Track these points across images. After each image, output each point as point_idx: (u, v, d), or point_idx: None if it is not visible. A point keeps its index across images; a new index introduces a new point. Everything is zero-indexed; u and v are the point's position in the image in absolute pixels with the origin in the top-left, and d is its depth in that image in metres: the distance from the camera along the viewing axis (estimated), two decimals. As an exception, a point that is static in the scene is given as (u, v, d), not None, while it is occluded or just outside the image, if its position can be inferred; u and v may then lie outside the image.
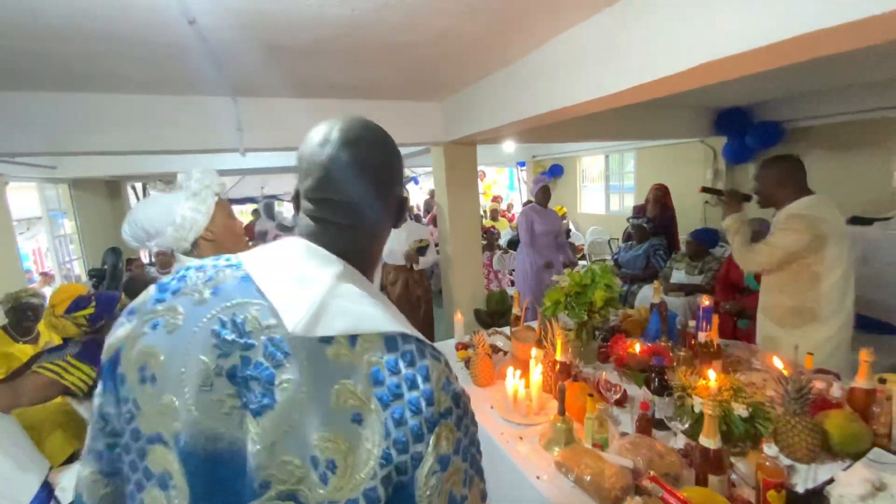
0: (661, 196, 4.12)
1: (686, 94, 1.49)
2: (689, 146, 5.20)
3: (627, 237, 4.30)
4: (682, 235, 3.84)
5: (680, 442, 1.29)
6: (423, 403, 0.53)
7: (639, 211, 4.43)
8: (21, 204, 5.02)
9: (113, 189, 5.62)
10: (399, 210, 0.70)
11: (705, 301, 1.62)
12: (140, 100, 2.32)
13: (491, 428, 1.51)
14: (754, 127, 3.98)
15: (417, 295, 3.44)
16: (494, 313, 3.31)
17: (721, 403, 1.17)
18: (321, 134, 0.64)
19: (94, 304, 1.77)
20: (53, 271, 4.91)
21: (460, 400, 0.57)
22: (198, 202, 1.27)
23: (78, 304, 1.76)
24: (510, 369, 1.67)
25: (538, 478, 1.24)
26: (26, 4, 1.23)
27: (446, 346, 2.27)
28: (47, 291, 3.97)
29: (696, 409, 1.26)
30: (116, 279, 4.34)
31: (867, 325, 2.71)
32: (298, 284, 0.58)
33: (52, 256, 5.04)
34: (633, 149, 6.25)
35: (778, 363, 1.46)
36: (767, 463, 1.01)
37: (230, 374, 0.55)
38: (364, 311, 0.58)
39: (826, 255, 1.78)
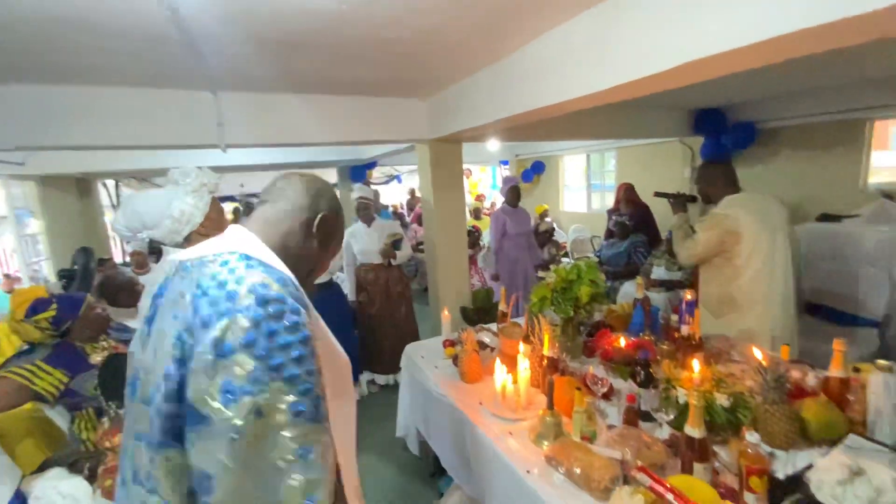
0: (628, 194, 4.24)
1: (665, 94, 1.52)
2: (667, 146, 5.32)
3: (609, 234, 4.38)
4: (664, 233, 3.93)
5: (665, 432, 1.32)
6: (223, 299, 0.63)
7: (612, 212, 4.54)
8: (-18, 202, 4.77)
9: (83, 187, 5.39)
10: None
11: (688, 296, 1.66)
12: (115, 92, 2.23)
13: (480, 423, 1.52)
14: (730, 127, 4.09)
15: (398, 291, 3.43)
16: (480, 310, 3.32)
17: (704, 394, 1.20)
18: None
19: (54, 305, 1.70)
20: (20, 273, 4.69)
21: (267, 303, 0.63)
22: (197, 199, 1.32)
23: (35, 307, 1.69)
24: (497, 364, 1.68)
25: (528, 472, 1.24)
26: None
27: (432, 344, 2.27)
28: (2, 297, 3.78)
29: (681, 401, 1.30)
30: (87, 280, 4.17)
31: (839, 319, 2.82)
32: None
33: (18, 257, 4.81)
34: (614, 148, 6.36)
35: (758, 353, 1.50)
36: (749, 450, 1.04)
37: (147, 322, 0.78)
38: (232, 243, 0.73)
39: (742, 250, 1.91)
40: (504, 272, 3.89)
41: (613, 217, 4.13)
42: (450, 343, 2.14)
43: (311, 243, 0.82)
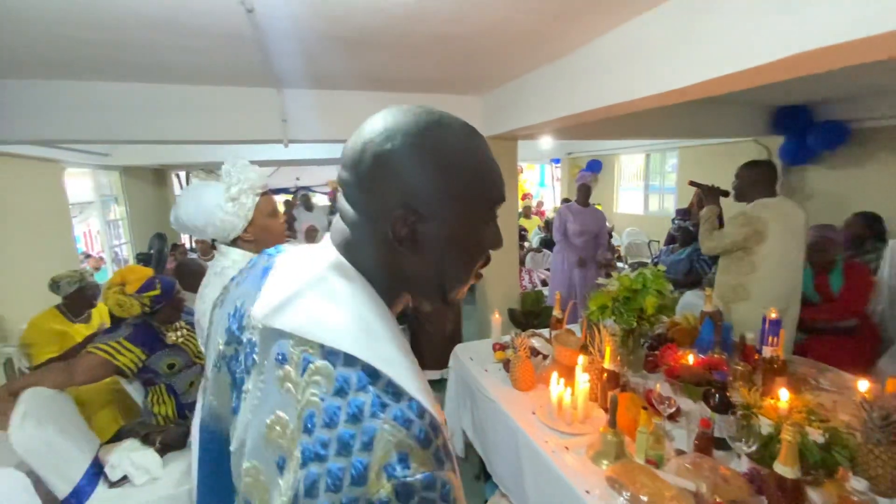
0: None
1: (743, 90, 1.38)
2: (739, 145, 4.91)
3: (670, 240, 4.12)
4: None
5: (743, 465, 1.20)
6: (346, 480, 0.39)
7: (682, 214, 4.23)
8: (76, 190, 5.29)
9: (159, 177, 5.86)
10: (403, 237, 0.49)
11: (772, 313, 1.50)
12: (187, 90, 2.37)
13: (533, 434, 1.46)
14: (816, 126, 3.70)
15: None
16: (529, 313, 3.23)
17: (798, 428, 1.08)
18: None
19: (159, 286, 1.86)
20: (103, 254, 5.16)
21: (412, 496, 0.39)
22: (237, 206, 1.26)
23: (148, 285, 1.85)
24: (554, 375, 1.61)
25: (587, 492, 1.17)
26: (93, -6, 1.25)
27: (482, 347, 2.23)
28: (96, 275, 4.18)
29: (764, 431, 1.17)
30: (161, 263, 4.53)
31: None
32: (292, 277, 0.50)
33: (102, 240, 5.31)
34: (676, 147, 5.98)
35: (862, 385, 1.32)
36: (854, 497, 0.91)
37: (228, 364, 0.53)
38: (328, 314, 0.45)
39: (762, 249, 2.08)
40: (561, 271, 3.75)
41: (676, 221, 3.87)
42: (500, 347, 2.09)
43: (404, 259, 0.51)
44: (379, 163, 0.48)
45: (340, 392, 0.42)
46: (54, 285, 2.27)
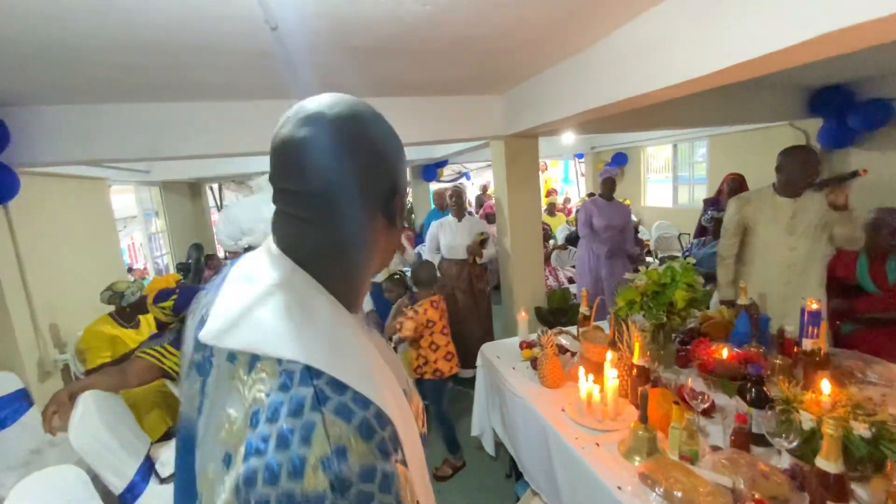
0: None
1: (775, 72, 1.32)
2: (772, 131, 4.70)
3: (701, 232, 3.98)
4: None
5: (784, 461, 1.16)
6: (283, 474, 0.39)
7: (710, 204, 4.08)
8: (119, 205, 5.63)
9: (195, 190, 6.14)
10: (396, 210, 0.56)
11: (812, 304, 1.44)
12: (219, 106, 2.49)
13: (563, 431, 1.46)
14: (857, 106, 3.50)
15: (479, 288, 3.43)
16: (556, 311, 3.20)
17: (840, 421, 1.03)
18: (286, 113, 0.55)
19: (174, 296, 1.99)
20: (147, 265, 5.47)
21: (348, 489, 0.39)
22: None
23: (159, 296, 1.99)
24: (582, 371, 1.60)
25: (619, 488, 1.17)
26: (133, 22, 1.35)
27: (509, 345, 2.23)
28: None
29: (806, 426, 1.13)
30: (199, 272, 4.75)
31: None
32: (240, 286, 0.52)
33: (144, 251, 5.62)
34: (705, 136, 5.77)
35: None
36: (904, 494, 0.87)
37: (197, 370, 0.54)
38: (279, 329, 0.46)
39: None
40: (588, 267, 3.71)
41: (709, 212, 3.74)
42: (527, 345, 2.09)
43: (380, 228, 0.56)
44: (372, 156, 0.54)
45: (283, 387, 0.43)
46: (116, 295, 2.43)
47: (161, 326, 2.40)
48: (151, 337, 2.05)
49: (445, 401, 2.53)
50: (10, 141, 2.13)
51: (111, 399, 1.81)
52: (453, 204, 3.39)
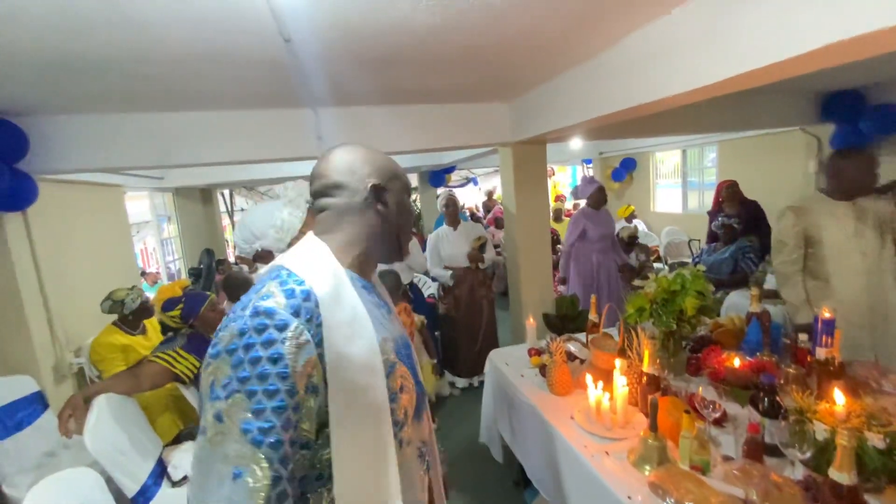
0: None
1: (788, 78, 1.32)
2: (783, 136, 4.66)
3: (712, 238, 3.95)
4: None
5: (798, 472, 1.14)
6: (239, 308, 0.64)
7: (714, 215, 4.07)
8: (133, 210, 5.73)
9: (206, 196, 6.23)
10: (377, 198, 0.80)
11: (826, 313, 1.42)
12: (231, 115, 2.53)
13: (572, 439, 1.45)
14: (870, 111, 3.46)
15: (482, 295, 3.43)
16: (565, 318, 3.18)
17: (854, 432, 1.02)
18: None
19: (181, 305, 2.06)
20: (160, 269, 5.55)
21: (257, 316, 0.61)
22: (294, 208, 1.46)
23: (166, 305, 2.06)
24: (590, 379, 1.59)
25: (629, 497, 1.16)
26: (149, 35, 1.38)
27: (517, 352, 2.23)
28: (149, 290, 4.50)
29: (820, 437, 1.11)
30: (210, 277, 4.81)
31: None
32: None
33: (157, 256, 5.71)
34: (715, 141, 5.73)
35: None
36: (921, 507, 0.86)
37: None
38: (292, 257, 0.72)
39: None
40: (581, 276, 3.70)
41: (719, 218, 3.71)
42: (536, 352, 2.09)
43: (374, 219, 0.80)
44: (351, 160, 0.80)
45: (266, 273, 0.69)
46: (117, 304, 2.45)
47: (166, 330, 2.44)
48: (163, 342, 2.08)
49: None
50: (29, 149, 2.19)
51: (125, 402, 1.84)
52: (447, 213, 3.39)
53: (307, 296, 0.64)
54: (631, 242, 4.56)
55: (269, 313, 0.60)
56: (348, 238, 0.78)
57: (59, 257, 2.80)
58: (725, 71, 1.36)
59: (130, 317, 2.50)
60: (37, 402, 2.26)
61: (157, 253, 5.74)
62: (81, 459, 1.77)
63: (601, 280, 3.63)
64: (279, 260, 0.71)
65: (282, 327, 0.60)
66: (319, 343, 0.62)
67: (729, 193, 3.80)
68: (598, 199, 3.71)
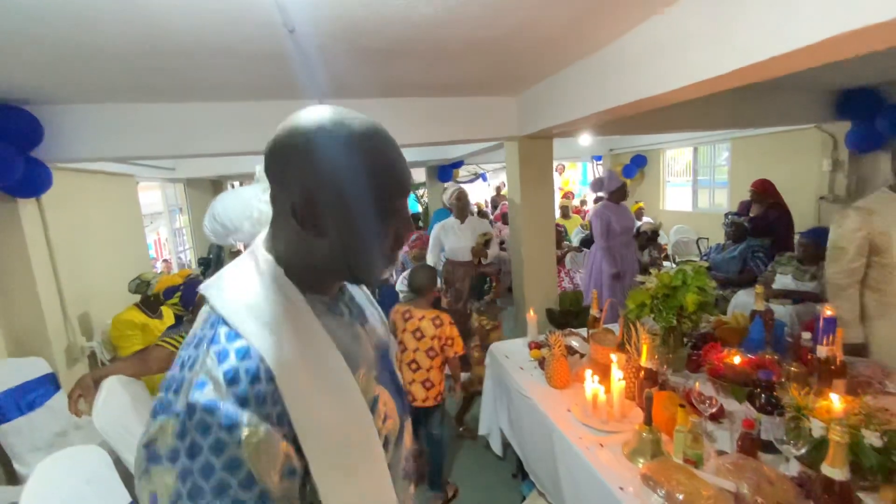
0: (758, 196, 3.69)
1: (800, 74, 1.29)
2: (798, 134, 4.57)
3: (729, 236, 3.90)
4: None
5: (793, 469, 1.14)
6: (171, 388, 0.49)
7: (743, 209, 3.99)
8: (147, 201, 5.83)
9: (217, 187, 6.32)
10: (305, 223, 0.56)
11: (827, 311, 1.41)
12: (239, 106, 2.57)
13: (568, 431, 1.46)
14: (886, 109, 3.38)
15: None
16: (568, 313, 3.18)
17: (850, 429, 1.01)
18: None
19: (178, 293, 2.16)
20: (171, 258, 5.66)
21: (193, 416, 0.45)
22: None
23: (165, 294, 2.20)
24: (588, 372, 1.60)
25: (621, 489, 1.16)
26: (159, 26, 1.41)
27: (518, 345, 2.23)
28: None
29: (816, 434, 1.11)
30: (219, 267, 4.89)
31: None
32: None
33: (169, 246, 5.81)
34: (728, 139, 5.64)
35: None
36: (913, 505, 0.85)
37: None
38: (227, 289, 0.56)
39: None
40: (607, 270, 3.67)
41: (729, 217, 3.66)
42: (536, 345, 2.09)
43: (312, 244, 0.57)
44: (283, 157, 0.56)
45: (203, 324, 0.54)
46: (143, 283, 2.56)
47: (179, 318, 2.51)
48: (170, 327, 2.14)
49: (433, 429, 2.22)
50: (43, 137, 2.25)
51: (133, 384, 1.89)
52: (458, 206, 3.39)
53: (255, 374, 0.49)
54: (653, 237, 4.51)
55: (210, 410, 0.46)
56: (290, 252, 0.59)
57: (73, 244, 2.87)
58: (730, 63, 1.35)
59: (152, 298, 2.57)
60: (49, 384, 2.33)
61: (170, 243, 5.84)
62: (92, 439, 1.83)
63: (627, 272, 3.62)
64: (214, 301, 0.54)
65: (231, 427, 0.46)
66: (284, 421, 0.49)
67: (754, 195, 3.68)
68: (620, 194, 3.68)
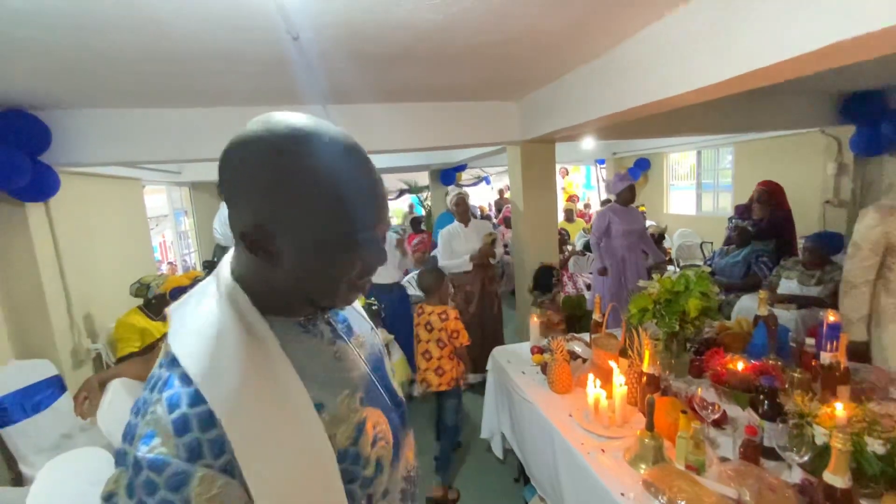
0: (766, 197, 3.65)
1: (804, 78, 1.29)
2: (802, 137, 4.55)
3: (729, 241, 3.88)
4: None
5: (795, 476, 1.13)
6: (128, 436, 0.46)
7: (741, 212, 3.96)
8: (152, 204, 5.88)
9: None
10: (257, 252, 0.50)
11: (831, 317, 1.40)
12: (242, 111, 2.59)
13: (569, 436, 1.46)
14: (891, 112, 3.37)
15: (492, 291, 3.45)
16: (570, 318, 3.17)
17: (853, 436, 1.01)
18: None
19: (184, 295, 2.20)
20: (176, 261, 5.70)
21: (139, 473, 0.42)
22: None
23: (172, 294, 2.22)
24: (590, 377, 1.59)
25: (622, 495, 1.16)
26: (165, 34, 1.43)
27: (520, 350, 2.23)
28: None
29: (819, 441, 1.10)
30: (223, 269, 4.91)
31: None
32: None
33: (174, 249, 5.85)
34: (731, 142, 5.63)
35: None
36: (917, 513, 0.85)
37: None
38: (186, 324, 0.52)
39: None
40: (609, 271, 3.66)
41: (733, 220, 3.64)
42: (538, 350, 2.09)
43: (269, 269, 0.52)
44: (232, 178, 0.49)
45: (160, 365, 0.50)
46: (143, 287, 2.56)
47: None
48: (175, 330, 2.17)
49: (446, 416, 2.34)
50: (51, 141, 2.28)
51: (138, 387, 1.91)
52: (458, 211, 3.42)
53: (206, 421, 0.45)
54: (659, 241, 4.50)
55: (156, 468, 0.42)
56: (249, 276, 0.54)
57: (79, 247, 2.90)
58: (732, 69, 1.35)
59: (154, 301, 2.58)
60: (55, 386, 2.35)
61: (175, 246, 5.88)
62: (97, 441, 1.84)
63: (628, 275, 3.61)
64: (173, 334, 0.51)
65: (178, 486, 0.42)
66: (237, 471, 0.45)
67: (760, 196, 3.59)
68: (627, 196, 3.67)
